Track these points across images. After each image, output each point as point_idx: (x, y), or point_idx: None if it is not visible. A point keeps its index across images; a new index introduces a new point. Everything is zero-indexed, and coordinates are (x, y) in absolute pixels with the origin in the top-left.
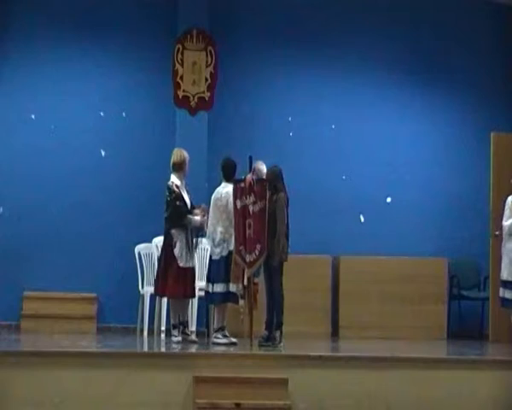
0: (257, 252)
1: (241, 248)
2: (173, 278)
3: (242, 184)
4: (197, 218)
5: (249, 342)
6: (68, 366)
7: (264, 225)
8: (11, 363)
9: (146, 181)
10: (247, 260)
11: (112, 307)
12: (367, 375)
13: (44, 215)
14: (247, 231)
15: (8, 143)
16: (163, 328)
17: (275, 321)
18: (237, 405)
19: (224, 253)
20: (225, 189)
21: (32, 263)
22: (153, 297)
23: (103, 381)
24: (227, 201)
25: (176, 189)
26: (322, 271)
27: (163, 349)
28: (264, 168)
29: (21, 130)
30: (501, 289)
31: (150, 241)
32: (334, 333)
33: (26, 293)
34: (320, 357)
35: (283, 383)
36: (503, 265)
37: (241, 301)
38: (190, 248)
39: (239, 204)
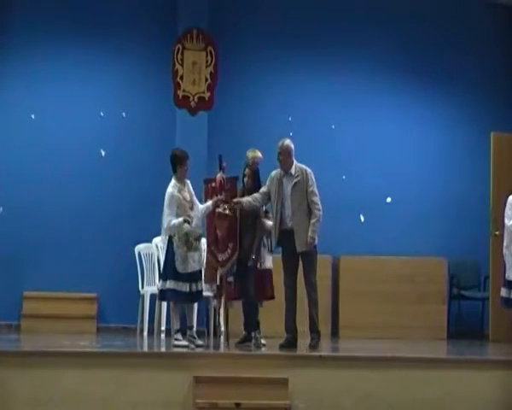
0: (229, 251)
1: (213, 247)
2: None
3: (213, 184)
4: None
5: (225, 342)
6: (68, 366)
7: (236, 223)
8: (11, 363)
9: (146, 181)
10: (220, 258)
11: (112, 307)
12: (367, 375)
13: (44, 215)
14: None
15: (8, 143)
16: (163, 328)
17: (251, 322)
18: (237, 405)
19: None
20: None
21: (32, 263)
22: (153, 297)
23: (103, 381)
24: None
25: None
26: (322, 271)
27: (163, 349)
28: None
29: (21, 130)
30: (504, 289)
31: (150, 241)
32: (334, 333)
33: (26, 293)
34: (320, 357)
35: (283, 383)
36: (507, 265)
37: (215, 301)
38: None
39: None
